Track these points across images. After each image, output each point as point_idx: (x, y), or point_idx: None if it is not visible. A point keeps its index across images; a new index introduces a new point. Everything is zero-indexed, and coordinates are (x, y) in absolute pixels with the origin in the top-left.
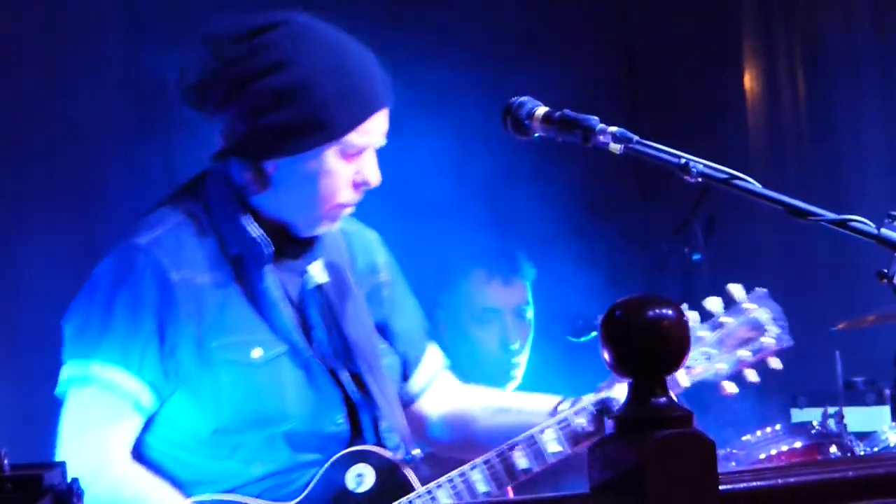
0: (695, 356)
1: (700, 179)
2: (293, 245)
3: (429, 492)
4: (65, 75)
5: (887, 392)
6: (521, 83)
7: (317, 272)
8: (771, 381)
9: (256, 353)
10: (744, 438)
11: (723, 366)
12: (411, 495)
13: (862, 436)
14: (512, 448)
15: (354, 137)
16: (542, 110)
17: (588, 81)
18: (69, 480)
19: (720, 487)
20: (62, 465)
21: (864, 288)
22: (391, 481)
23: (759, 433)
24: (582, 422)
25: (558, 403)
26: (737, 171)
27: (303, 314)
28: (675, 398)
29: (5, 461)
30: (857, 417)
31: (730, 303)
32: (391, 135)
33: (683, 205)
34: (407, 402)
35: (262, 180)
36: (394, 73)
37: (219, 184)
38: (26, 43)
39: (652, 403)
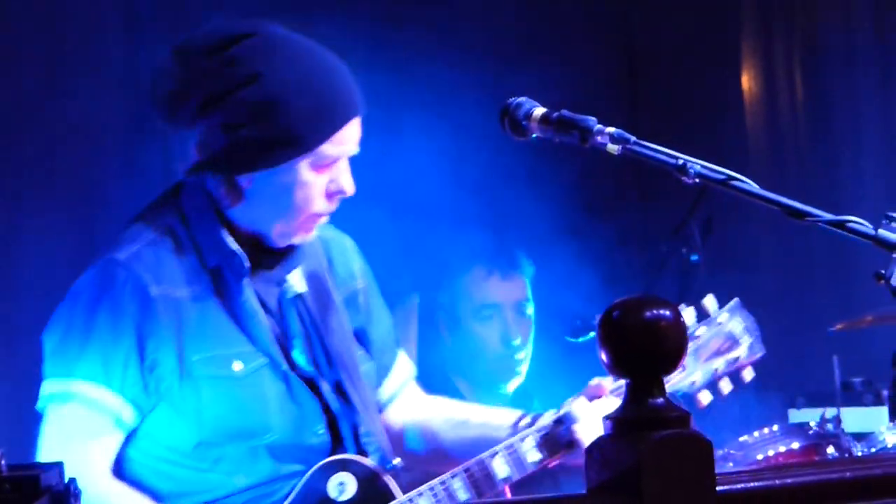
0: None
1: (697, 180)
2: (270, 255)
3: (410, 500)
4: (64, 75)
5: (885, 393)
6: (521, 83)
7: (295, 281)
8: (769, 382)
9: (237, 366)
10: (741, 439)
11: (697, 376)
12: (394, 503)
13: (859, 436)
14: (492, 456)
15: (327, 148)
16: (539, 111)
17: (587, 82)
18: (66, 481)
19: (717, 488)
20: (59, 465)
21: (862, 289)
22: (372, 490)
23: (756, 434)
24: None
25: (519, 418)
26: (735, 171)
27: (282, 324)
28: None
29: (3, 461)
30: (855, 418)
31: (703, 314)
32: (390, 134)
33: (681, 205)
34: (378, 410)
35: (237, 193)
36: (393, 73)
37: (195, 196)
38: (26, 43)
39: (649, 404)
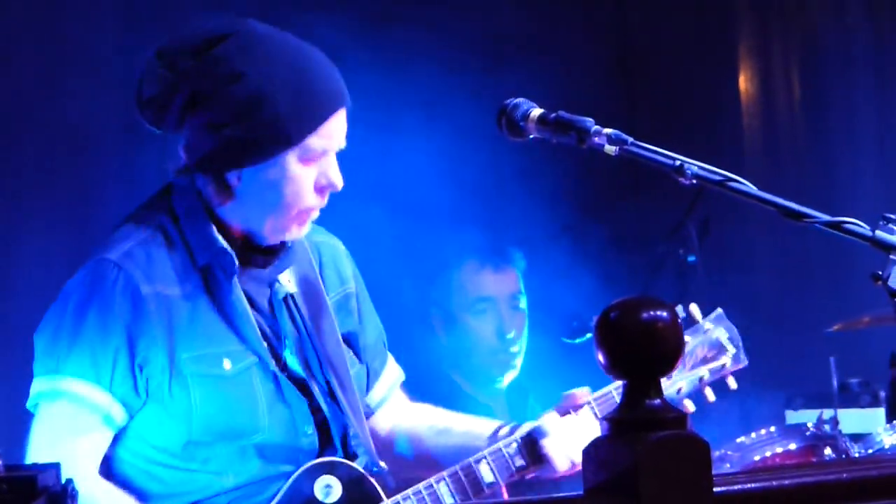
0: None
1: (695, 181)
2: (262, 254)
3: (396, 503)
4: (62, 77)
5: (882, 394)
6: (517, 83)
7: (286, 282)
8: (766, 383)
9: (227, 364)
10: (738, 440)
11: (683, 384)
12: None
13: (856, 438)
14: (478, 461)
15: (314, 141)
16: (536, 112)
17: (584, 82)
18: (63, 481)
19: (714, 489)
20: (57, 466)
21: (859, 290)
22: (358, 493)
23: (753, 435)
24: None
25: (498, 428)
26: (732, 172)
27: (273, 324)
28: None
29: (0, 462)
30: (852, 419)
31: (689, 323)
32: (386, 134)
33: (678, 206)
34: (365, 414)
35: (227, 191)
36: (389, 73)
37: (185, 196)
38: (23, 45)
39: (646, 405)
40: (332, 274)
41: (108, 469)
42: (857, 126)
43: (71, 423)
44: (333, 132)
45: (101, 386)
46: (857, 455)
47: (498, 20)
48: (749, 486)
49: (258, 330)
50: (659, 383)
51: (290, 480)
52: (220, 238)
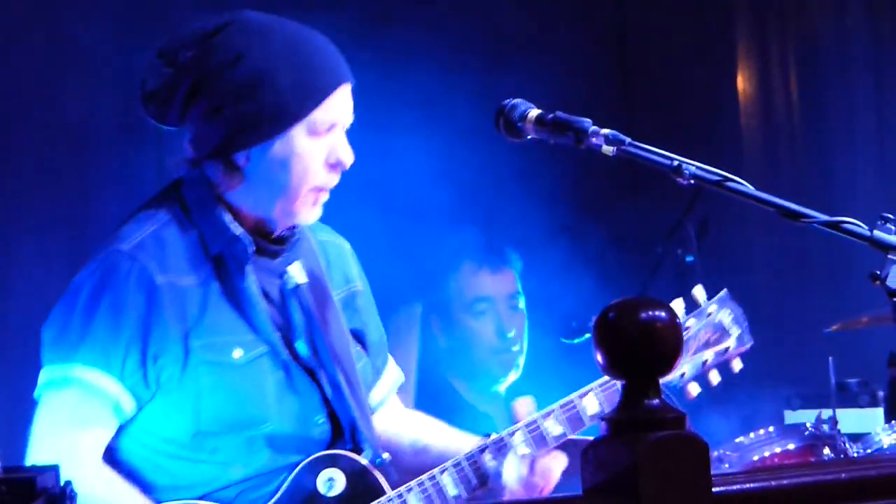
0: None
1: (692, 181)
2: (271, 245)
3: (399, 496)
4: (60, 77)
5: (880, 394)
6: (514, 83)
7: (296, 273)
8: (765, 383)
9: (237, 353)
10: (737, 440)
11: (687, 368)
12: (382, 499)
13: (855, 437)
14: (482, 451)
15: (319, 115)
16: (534, 112)
17: (582, 83)
18: (62, 483)
19: (713, 489)
20: (55, 467)
21: (858, 290)
22: (362, 485)
23: (752, 435)
24: (550, 424)
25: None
26: (730, 172)
27: (284, 315)
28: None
29: None
30: (851, 419)
31: (692, 306)
32: (382, 134)
33: (677, 207)
34: None
35: (236, 174)
36: (385, 73)
37: (195, 186)
38: (22, 45)
39: (645, 405)
40: (338, 272)
41: (114, 460)
42: (856, 126)
43: (78, 410)
44: (338, 106)
45: (111, 375)
46: (855, 455)
47: (496, 21)
48: (748, 486)
49: (269, 319)
50: (658, 383)
51: (293, 474)
52: (232, 225)
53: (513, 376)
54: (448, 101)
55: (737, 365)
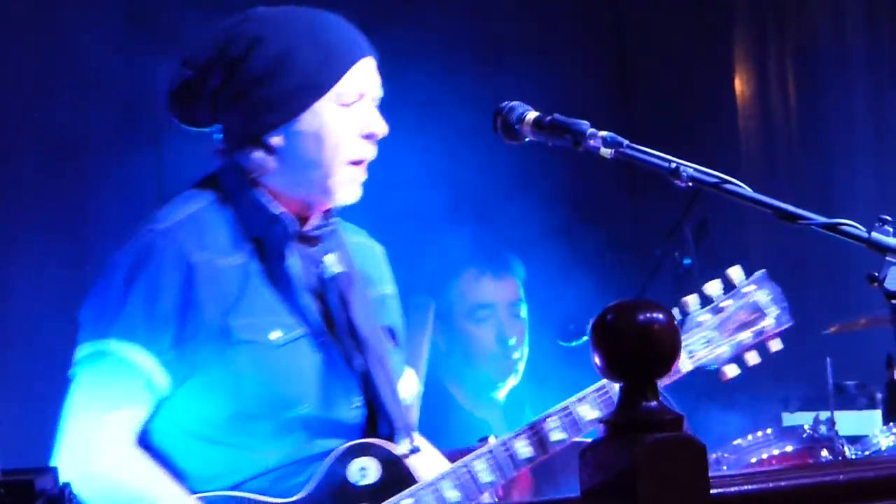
0: (696, 341)
1: (690, 184)
2: (309, 232)
3: (432, 483)
4: (57, 83)
5: (878, 396)
6: (514, 85)
7: (333, 262)
8: (762, 385)
9: (275, 334)
10: (735, 442)
11: (724, 349)
12: (415, 487)
13: (853, 439)
14: (515, 437)
15: (345, 86)
16: (532, 115)
17: (580, 85)
18: (61, 484)
19: (711, 491)
20: (54, 469)
21: (855, 291)
22: (395, 474)
23: (750, 437)
24: (584, 410)
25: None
26: (727, 174)
27: (322, 299)
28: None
29: None
30: (849, 421)
31: (729, 286)
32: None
33: (675, 209)
34: None
35: (271, 156)
36: (384, 75)
37: (231, 174)
38: (15, 55)
39: (643, 407)
40: (372, 273)
41: (147, 445)
42: (854, 128)
43: (111, 384)
44: (363, 77)
45: (146, 349)
46: (853, 457)
47: (495, 22)
48: (746, 487)
49: (310, 302)
50: (655, 385)
51: (325, 463)
52: (272, 205)
53: (511, 383)
54: (445, 102)
55: (775, 345)
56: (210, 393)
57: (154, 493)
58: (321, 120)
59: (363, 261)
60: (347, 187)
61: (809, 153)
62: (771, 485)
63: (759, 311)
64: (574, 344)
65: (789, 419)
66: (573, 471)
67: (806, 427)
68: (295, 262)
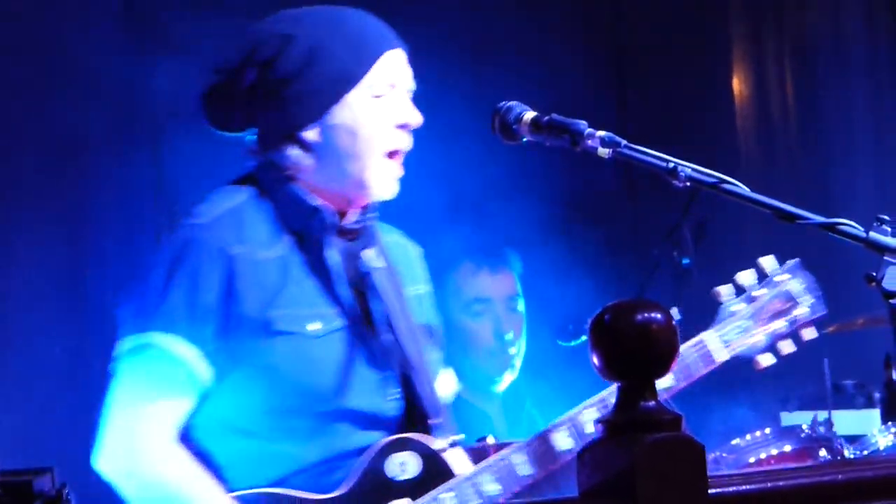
0: (731, 330)
1: (688, 183)
2: (348, 227)
3: (472, 477)
4: (54, 87)
5: (876, 395)
6: (511, 85)
7: (372, 257)
8: (760, 385)
9: (314, 326)
10: (733, 442)
11: (759, 339)
12: (453, 482)
13: (851, 439)
14: (553, 429)
15: (375, 76)
16: (530, 115)
17: (576, 84)
18: (58, 485)
19: (710, 491)
20: (51, 470)
21: (854, 291)
22: (434, 468)
23: (748, 437)
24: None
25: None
26: (726, 174)
27: (360, 293)
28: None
29: None
30: (847, 421)
31: (762, 275)
32: None
33: (673, 209)
34: None
35: (307, 154)
36: None
37: (268, 171)
38: (14, 56)
39: (641, 407)
40: (409, 271)
41: (188, 442)
42: (852, 127)
43: (153, 376)
44: (393, 68)
45: (187, 341)
46: (851, 456)
47: (492, 22)
48: (744, 487)
49: (350, 294)
50: (654, 385)
51: (364, 459)
52: (310, 197)
53: (509, 377)
54: (443, 102)
55: (808, 334)
56: (249, 386)
57: (193, 492)
58: (354, 112)
59: (400, 259)
60: (383, 181)
61: (808, 153)
62: (769, 485)
63: (792, 300)
64: (573, 344)
65: (788, 419)
66: (572, 472)
67: (804, 427)
68: (333, 254)
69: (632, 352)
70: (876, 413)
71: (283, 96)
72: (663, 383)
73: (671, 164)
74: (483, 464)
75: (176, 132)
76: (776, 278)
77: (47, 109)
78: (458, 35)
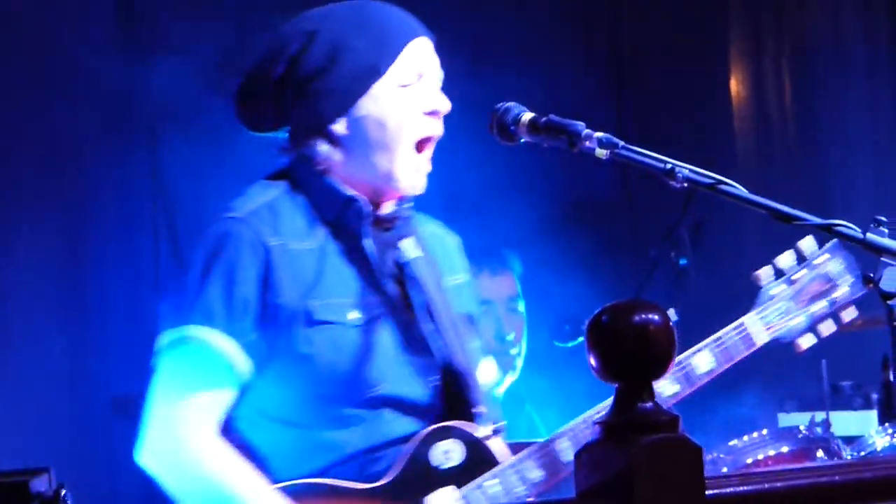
0: (771, 313)
1: (686, 184)
2: (384, 218)
3: (516, 464)
4: (50, 91)
5: (874, 396)
6: (508, 86)
7: (410, 246)
8: (758, 386)
9: (355, 314)
10: (731, 443)
11: (799, 320)
12: (498, 468)
13: (849, 440)
14: (600, 412)
15: (402, 67)
16: (527, 116)
17: (574, 85)
18: (55, 486)
19: (707, 492)
20: (48, 471)
21: None
22: (478, 455)
23: (746, 438)
24: (664, 385)
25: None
26: (723, 175)
27: (399, 282)
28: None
29: None
30: (844, 422)
31: (801, 257)
32: None
33: (671, 210)
34: None
35: (336, 148)
36: None
37: (301, 166)
38: (9, 58)
39: (639, 408)
40: (449, 261)
41: (230, 434)
42: (850, 128)
43: (193, 369)
44: (418, 57)
45: (226, 333)
46: (849, 457)
47: (489, 23)
48: (742, 488)
49: (389, 282)
50: (651, 386)
51: (408, 448)
52: (344, 187)
53: (510, 379)
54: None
55: (848, 315)
56: (291, 376)
57: (237, 484)
58: (381, 103)
59: (438, 249)
60: (412, 176)
61: (805, 154)
62: (766, 486)
63: (831, 281)
64: (570, 345)
65: (785, 420)
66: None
67: (802, 428)
68: (370, 243)
69: (629, 353)
70: (873, 414)
71: (310, 92)
72: (705, 366)
73: (669, 165)
74: (527, 451)
75: (173, 133)
76: (815, 260)
77: (45, 111)
78: (456, 36)
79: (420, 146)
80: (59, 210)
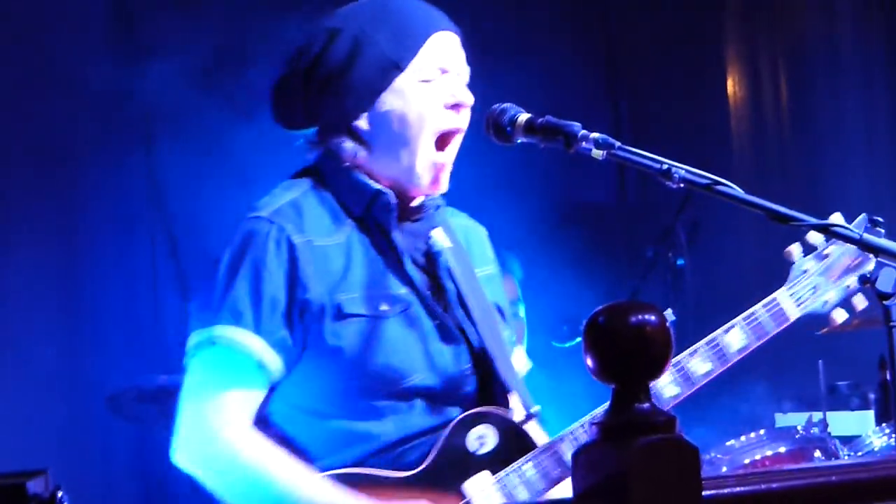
0: (802, 288)
1: (682, 185)
2: (413, 210)
3: (551, 446)
4: (44, 94)
5: (871, 396)
6: (504, 87)
7: (440, 237)
8: (755, 386)
9: (385, 306)
10: (728, 443)
11: (831, 295)
12: (534, 452)
13: (846, 440)
14: None
15: (424, 61)
16: (524, 117)
17: (570, 86)
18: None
19: (704, 493)
20: (46, 472)
21: None
22: (513, 440)
23: (743, 438)
24: (696, 363)
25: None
26: (719, 175)
27: (429, 273)
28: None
29: None
30: (842, 422)
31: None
32: None
33: (667, 210)
34: None
35: (360, 146)
36: None
37: (327, 162)
38: (7, 61)
39: (635, 409)
40: (478, 252)
41: (267, 427)
42: (845, 129)
43: (223, 368)
44: (441, 52)
45: (254, 331)
46: (846, 457)
47: (486, 23)
48: (738, 489)
49: (418, 273)
50: (648, 387)
51: (443, 434)
52: (370, 182)
53: None
54: None
55: (883, 284)
56: (323, 369)
57: (277, 470)
58: (402, 98)
59: (468, 241)
60: (433, 175)
61: (801, 155)
62: (763, 486)
63: (862, 256)
64: (567, 345)
65: (782, 420)
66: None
67: (799, 428)
68: (399, 235)
69: (626, 354)
70: (870, 414)
71: (334, 89)
72: (737, 343)
73: (665, 166)
74: (564, 432)
75: (168, 135)
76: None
77: (41, 113)
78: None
79: (442, 142)
80: (55, 211)
